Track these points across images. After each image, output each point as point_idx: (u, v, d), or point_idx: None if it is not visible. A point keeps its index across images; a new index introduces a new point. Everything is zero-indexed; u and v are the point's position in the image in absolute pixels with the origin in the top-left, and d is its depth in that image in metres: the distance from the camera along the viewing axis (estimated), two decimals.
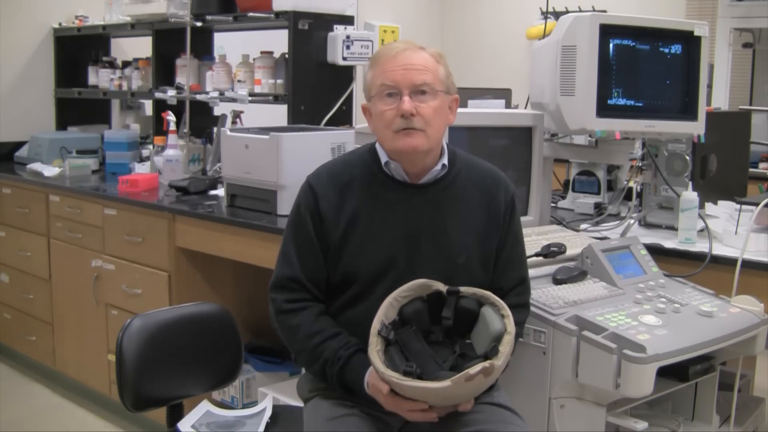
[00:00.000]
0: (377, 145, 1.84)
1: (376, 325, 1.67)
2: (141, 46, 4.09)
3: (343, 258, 1.78)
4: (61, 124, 4.42)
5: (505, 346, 1.61)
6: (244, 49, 3.57)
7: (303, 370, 1.93)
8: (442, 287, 1.72)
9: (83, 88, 4.33)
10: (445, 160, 1.82)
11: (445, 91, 1.77)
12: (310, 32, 3.28)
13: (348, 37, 3.32)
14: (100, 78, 4.23)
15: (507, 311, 1.67)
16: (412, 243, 1.77)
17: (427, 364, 1.65)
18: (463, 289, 1.72)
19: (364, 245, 1.77)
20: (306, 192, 1.82)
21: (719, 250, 2.20)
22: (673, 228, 2.42)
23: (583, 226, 2.58)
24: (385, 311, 1.69)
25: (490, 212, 1.83)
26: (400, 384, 1.60)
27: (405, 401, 1.65)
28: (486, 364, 1.56)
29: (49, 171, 3.81)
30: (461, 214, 1.81)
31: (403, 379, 1.59)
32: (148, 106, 4.38)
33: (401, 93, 1.72)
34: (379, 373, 1.63)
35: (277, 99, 3.34)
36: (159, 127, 3.71)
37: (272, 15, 3.29)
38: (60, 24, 4.41)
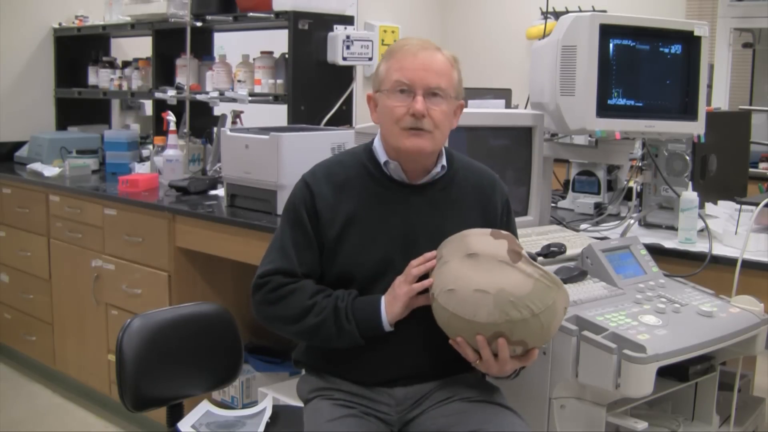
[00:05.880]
0: (374, 145, 1.83)
1: None
2: (141, 46, 4.09)
3: (339, 258, 1.77)
4: (61, 124, 4.42)
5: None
6: (244, 49, 3.57)
7: (303, 371, 1.93)
8: None
9: (83, 88, 4.33)
10: (444, 162, 1.82)
11: (455, 97, 1.77)
12: (310, 32, 3.27)
13: (348, 37, 3.32)
14: (100, 78, 4.23)
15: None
16: (410, 243, 1.76)
17: None
18: None
19: (362, 246, 1.76)
20: (302, 189, 1.81)
21: (719, 250, 2.20)
22: (673, 228, 2.42)
23: (583, 226, 2.58)
24: None
25: (486, 213, 1.84)
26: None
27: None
28: None
29: (49, 171, 3.81)
30: (459, 214, 1.81)
31: None
32: (148, 106, 4.38)
33: (415, 92, 1.71)
34: None
35: (277, 99, 3.34)
36: (159, 127, 3.71)
37: (272, 15, 3.28)
38: (60, 24, 4.41)
